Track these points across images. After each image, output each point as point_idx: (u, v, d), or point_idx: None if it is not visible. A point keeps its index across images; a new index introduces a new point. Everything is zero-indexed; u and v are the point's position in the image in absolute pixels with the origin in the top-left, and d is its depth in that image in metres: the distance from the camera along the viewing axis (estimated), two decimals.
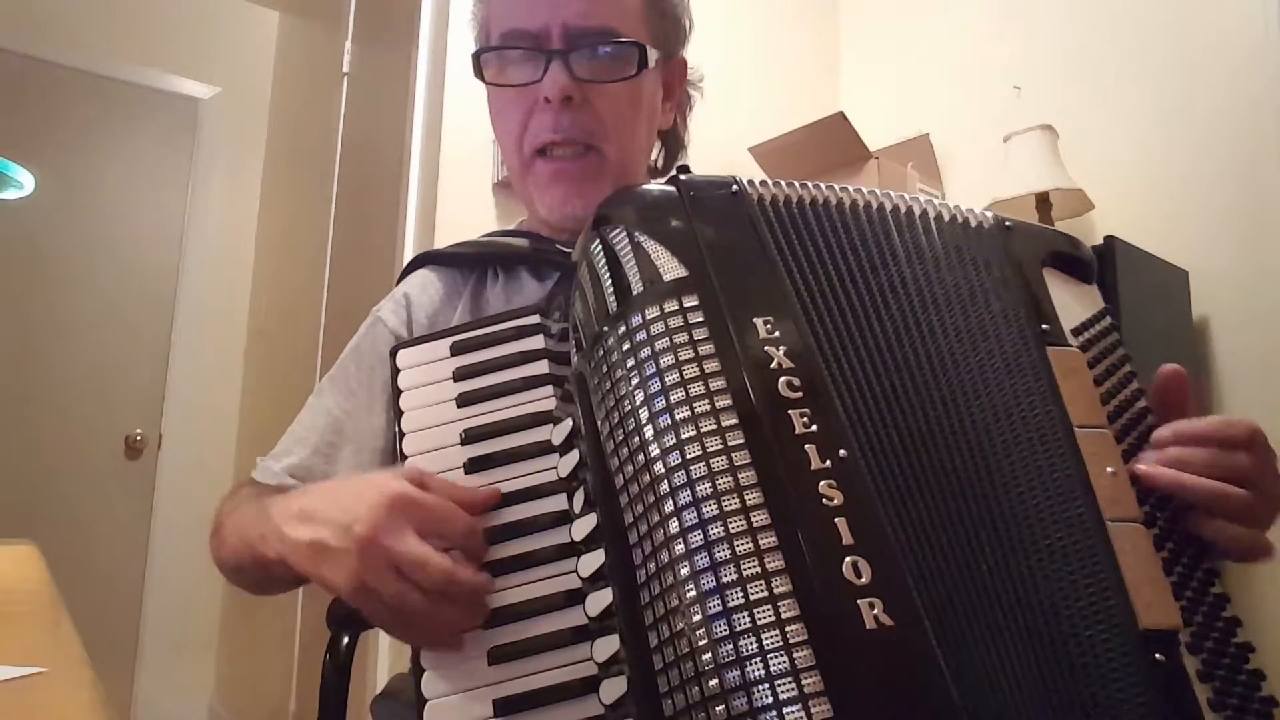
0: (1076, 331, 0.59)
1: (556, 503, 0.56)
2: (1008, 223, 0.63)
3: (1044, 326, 0.58)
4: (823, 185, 0.61)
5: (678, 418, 0.48)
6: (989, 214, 0.63)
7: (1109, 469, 0.53)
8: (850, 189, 0.61)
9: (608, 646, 0.49)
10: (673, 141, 0.91)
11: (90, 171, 3.01)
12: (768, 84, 2.40)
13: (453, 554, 0.52)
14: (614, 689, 0.48)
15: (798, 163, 2.03)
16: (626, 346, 0.51)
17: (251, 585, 0.74)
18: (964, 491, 0.51)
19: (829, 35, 2.60)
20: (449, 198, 1.84)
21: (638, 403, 0.49)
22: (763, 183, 0.60)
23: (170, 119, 3.19)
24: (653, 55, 0.78)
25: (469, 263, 0.85)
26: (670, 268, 0.53)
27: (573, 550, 0.53)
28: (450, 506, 0.53)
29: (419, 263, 0.87)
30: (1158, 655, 0.47)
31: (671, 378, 0.49)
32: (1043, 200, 1.85)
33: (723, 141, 2.10)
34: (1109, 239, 1.60)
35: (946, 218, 0.62)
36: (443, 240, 1.84)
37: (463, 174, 1.85)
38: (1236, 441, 0.53)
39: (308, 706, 2.12)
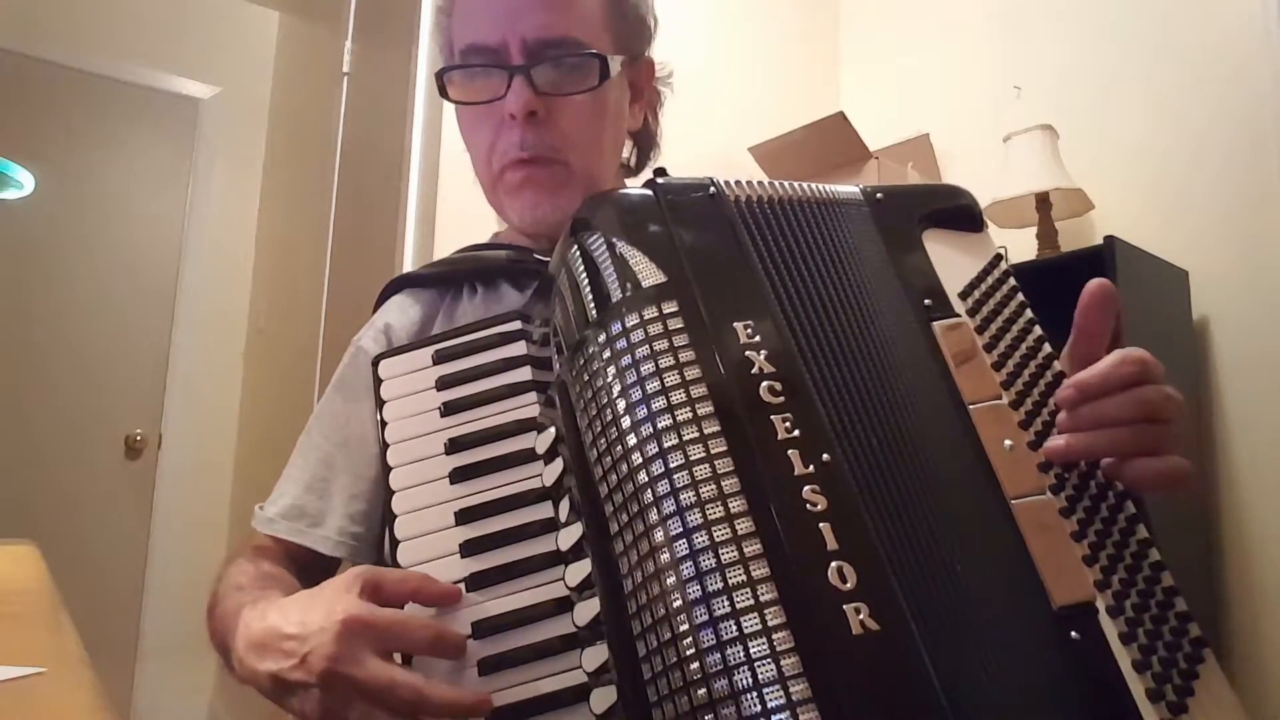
0: (965, 293, 0.57)
1: (543, 510, 0.56)
2: (879, 194, 0.60)
3: (927, 302, 0.56)
4: (808, 185, 0.60)
5: (659, 426, 0.47)
6: (856, 188, 0.60)
7: (1006, 443, 0.51)
8: (834, 187, 0.60)
9: (597, 656, 0.49)
10: (644, 140, 0.89)
11: (90, 171, 3.01)
12: (768, 84, 2.40)
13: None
14: (604, 698, 0.48)
15: (798, 163, 2.03)
16: (607, 355, 0.51)
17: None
18: (928, 489, 0.50)
19: (829, 35, 2.60)
20: (449, 198, 1.84)
21: (620, 411, 0.49)
22: (743, 183, 0.59)
23: (170, 119, 3.19)
24: (615, 62, 0.77)
25: (445, 281, 0.84)
26: (649, 274, 0.53)
27: (561, 559, 0.53)
28: (406, 621, 0.51)
29: (394, 288, 0.86)
30: (1073, 634, 0.46)
31: (652, 385, 0.48)
32: (1043, 200, 1.84)
33: (723, 141, 2.10)
34: (1109, 239, 1.60)
35: (825, 199, 0.59)
36: (442, 240, 1.84)
37: (463, 174, 1.84)
38: (1138, 376, 0.51)
39: None
